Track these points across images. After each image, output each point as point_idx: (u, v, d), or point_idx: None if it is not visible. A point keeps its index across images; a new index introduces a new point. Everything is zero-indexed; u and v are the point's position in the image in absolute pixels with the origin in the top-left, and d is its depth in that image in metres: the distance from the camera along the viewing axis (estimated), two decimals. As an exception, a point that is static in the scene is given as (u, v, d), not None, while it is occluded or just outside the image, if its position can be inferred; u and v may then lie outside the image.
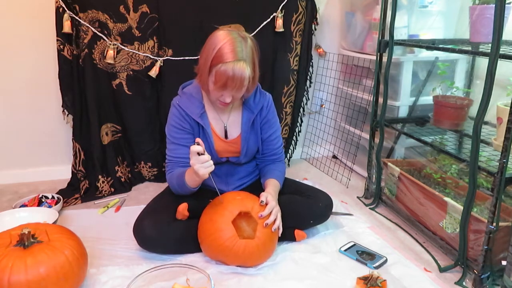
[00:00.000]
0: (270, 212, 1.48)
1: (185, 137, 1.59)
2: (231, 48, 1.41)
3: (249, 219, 1.49)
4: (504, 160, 1.27)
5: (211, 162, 1.41)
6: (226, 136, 1.64)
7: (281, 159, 1.77)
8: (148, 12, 2.04)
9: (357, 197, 2.12)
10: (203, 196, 1.60)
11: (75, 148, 2.09)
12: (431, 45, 1.70)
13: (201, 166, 1.38)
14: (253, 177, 1.78)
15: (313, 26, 2.31)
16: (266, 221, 1.46)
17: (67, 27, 1.93)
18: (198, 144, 1.39)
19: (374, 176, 2.05)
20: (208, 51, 1.44)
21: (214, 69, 1.42)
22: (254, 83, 1.53)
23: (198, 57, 1.52)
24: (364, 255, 1.57)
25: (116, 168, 2.18)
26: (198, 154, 1.38)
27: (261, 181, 1.71)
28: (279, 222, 1.49)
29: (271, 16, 2.17)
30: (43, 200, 1.95)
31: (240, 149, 1.65)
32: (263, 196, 1.51)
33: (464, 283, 1.44)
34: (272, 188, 1.60)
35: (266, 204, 1.49)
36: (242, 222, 1.50)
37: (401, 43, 1.83)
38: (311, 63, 2.38)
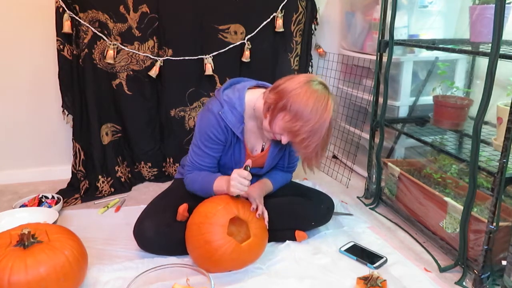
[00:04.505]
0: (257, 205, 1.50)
1: (216, 148, 1.54)
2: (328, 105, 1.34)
3: (236, 220, 1.46)
4: (504, 160, 1.27)
5: (247, 188, 1.42)
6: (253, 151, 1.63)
7: (291, 171, 1.77)
8: (148, 12, 2.04)
9: (357, 197, 2.12)
10: (203, 197, 1.60)
11: (75, 148, 2.09)
12: (431, 45, 1.70)
13: (238, 187, 1.40)
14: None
15: (313, 26, 2.30)
16: (258, 213, 1.48)
17: (67, 27, 1.93)
18: (249, 168, 1.40)
19: (374, 176, 2.05)
20: (298, 91, 1.33)
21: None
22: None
23: (273, 86, 1.40)
24: (364, 255, 1.57)
25: (116, 168, 2.18)
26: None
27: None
28: (262, 207, 1.51)
29: (271, 16, 2.16)
30: (43, 200, 1.95)
31: (264, 163, 1.64)
32: (253, 203, 1.51)
33: (464, 283, 1.44)
34: (258, 185, 1.61)
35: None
36: (231, 226, 1.47)
37: (401, 43, 1.83)
38: (311, 63, 2.38)
